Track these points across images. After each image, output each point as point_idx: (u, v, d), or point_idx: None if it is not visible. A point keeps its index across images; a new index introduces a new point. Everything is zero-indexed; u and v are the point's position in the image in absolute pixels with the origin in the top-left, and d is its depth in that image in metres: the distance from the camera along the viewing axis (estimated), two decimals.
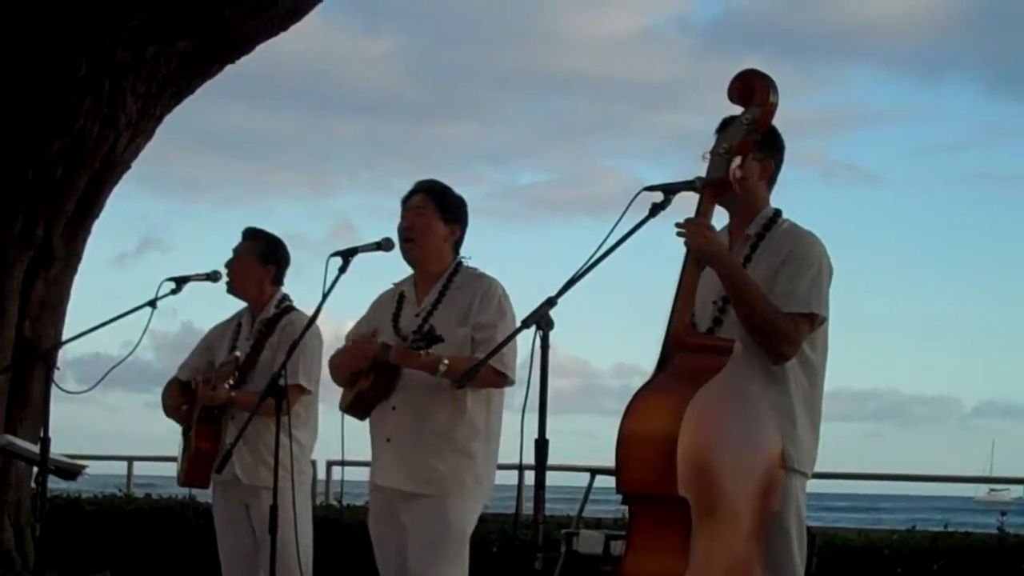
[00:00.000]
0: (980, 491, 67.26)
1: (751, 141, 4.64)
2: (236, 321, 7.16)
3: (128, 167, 10.33)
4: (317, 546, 6.84)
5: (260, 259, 7.07)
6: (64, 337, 9.98)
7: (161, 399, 7.18)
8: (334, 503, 12.45)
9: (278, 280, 7.13)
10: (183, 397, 7.05)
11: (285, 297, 7.11)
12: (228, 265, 7.05)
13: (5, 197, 9.83)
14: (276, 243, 7.16)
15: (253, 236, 7.14)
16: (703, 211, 4.63)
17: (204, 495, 7.62)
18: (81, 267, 10.50)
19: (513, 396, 5.91)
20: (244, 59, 10.05)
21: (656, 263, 5.15)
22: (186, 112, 10.30)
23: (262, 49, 10.04)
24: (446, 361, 5.67)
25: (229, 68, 10.10)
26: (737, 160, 4.61)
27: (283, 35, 9.96)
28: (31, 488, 10.18)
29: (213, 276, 6.98)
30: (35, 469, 7.42)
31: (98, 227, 10.48)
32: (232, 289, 7.07)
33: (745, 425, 4.48)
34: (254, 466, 6.76)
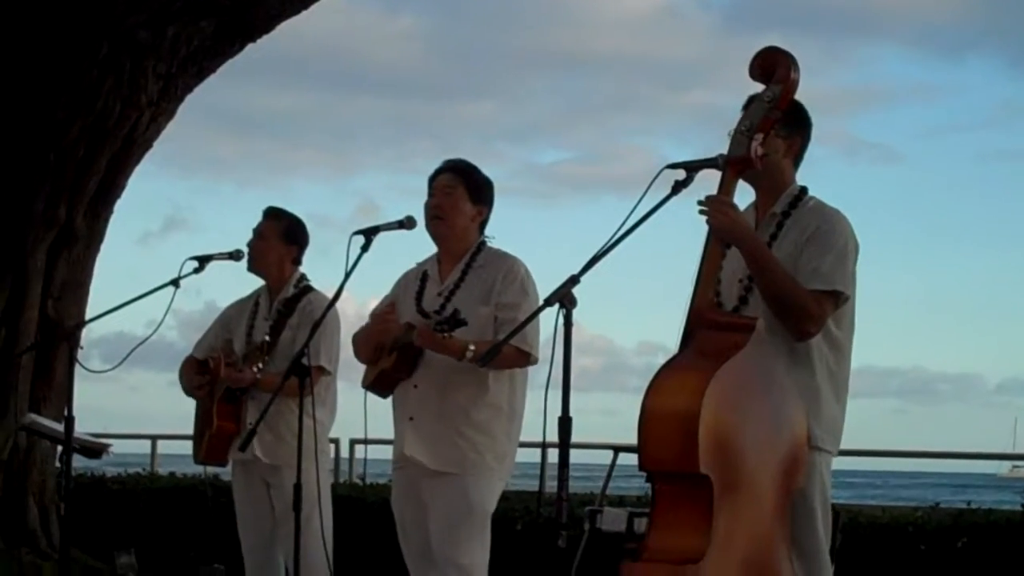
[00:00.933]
0: (1003, 468, 67.13)
1: (772, 119, 4.63)
2: (254, 300, 7.17)
3: (150, 147, 10.34)
4: (340, 524, 6.85)
5: (283, 238, 7.08)
6: (87, 317, 10.02)
7: (179, 377, 7.20)
8: (357, 481, 12.46)
9: (298, 260, 7.14)
10: (202, 376, 7.07)
11: (303, 277, 7.11)
12: (250, 244, 7.06)
13: (28, 178, 9.86)
14: (298, 223, 7.17)
15: (275, 215, 7.15)
16: (725, 189, 4.62)
17: (226, 473, 7.62)
18: (105, 247, 10.53)
19: (537, 374, 5.90)
20: (266, 38, 10.04)
21: (680, 240, 5.13)
22: (209, 91, 10.31)
23: (284, 28, 10.03)
24: (472, 347, 5.66)
25: (251, 48, 10.10)
26: (759, 138, 4.60)
27: (304, 14, 9.95)
28: (55, 467, 10.23)
29: (235, 255, 6.98)
30: (59, 448, 7.45)
31: (123, 207, 10.53)
32: (253, 267, 7.08)
33: (769, 402, 4.47)
34: (275, 445, 6.78)
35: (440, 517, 5.86)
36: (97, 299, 10.62)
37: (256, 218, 7.16)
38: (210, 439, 6.96)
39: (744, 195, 4.87)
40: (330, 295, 6.28)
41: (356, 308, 6.41)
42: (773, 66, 4.63)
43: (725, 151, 4.63)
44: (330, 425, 7.04)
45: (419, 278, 6.13)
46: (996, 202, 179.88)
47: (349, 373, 6.79)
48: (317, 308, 6.68)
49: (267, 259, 7.06)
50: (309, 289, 7.05)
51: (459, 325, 5.61)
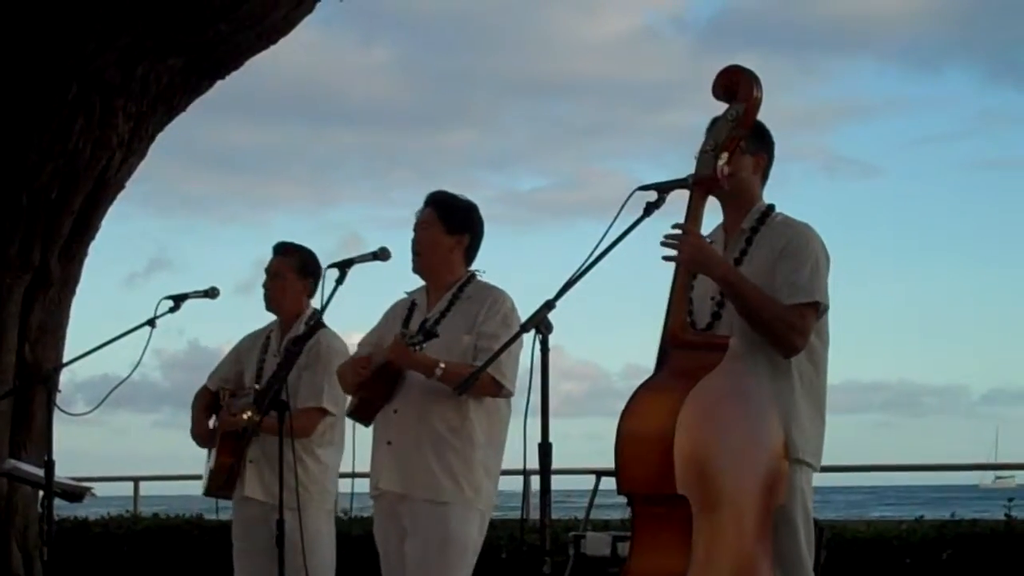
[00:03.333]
0: (986, 479, 67.21)
1: (737, 137, 4.65)
2: (266, 334, 7.11)
3: (122, 187, 10.33)
4: None
5: (299, 273, 7.01)
6: (65, 360, 9.98)
7: (191, 409, 7.19)
8: (341, 515, 12.42)
9: (312, 293, 7.06)
10: (208, 415, 7.07)
11: (316, 312, 7.02)
12: (266, 285, 7.01)
13: (1, 221, 9.83)
14: (311, 254, 7.08)
15: (287, 251, 7.08)
16: (693, 209, 4.64)
17: (211, 513, 7.61)
18: (91, 290, 10.51)
19: (517, 401, 5.91)
20: (242, 73, 10.06)
21: (660, 262, 5.15)
22: (186, 129, 10.30)
23: (260, 63, 10.05)
24: (442, 364, 5.70)
25: (227, 83, 10.11)
26: (724, 157, 4.62)
27: (281, 47, 9.98)
28: (37, 512, 10.18)
29: (211, 293, 6.95)
30: (40, 493, 7.42)
31: (107, 249, 10.52)
32: (271, 306, 7.03)
33: (745, 420, 4.48)
34: (274, 484, 6.75)
35: (416, 546, 5.87)
36: (83, 342, 10.54)
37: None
38: (212, 473, 6.96)
39: (713, 216, 4.90)
40: (336, 333, 6.26)
41: (334, 341, 6.41)
42: (735, 85, 4.66)
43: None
44: (336, 465, 6.98)
45: (407, 307, 6.17)
46: (977, 212, 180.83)
47: None
48: (324, 348, 6.67)
49: (285, 297, 7.00)
50: (320, 326, 6.96)
51: (431, 337, 5.65)
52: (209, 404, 7.14)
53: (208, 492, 7.08)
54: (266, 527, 6.83)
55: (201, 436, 7.10)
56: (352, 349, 6.39)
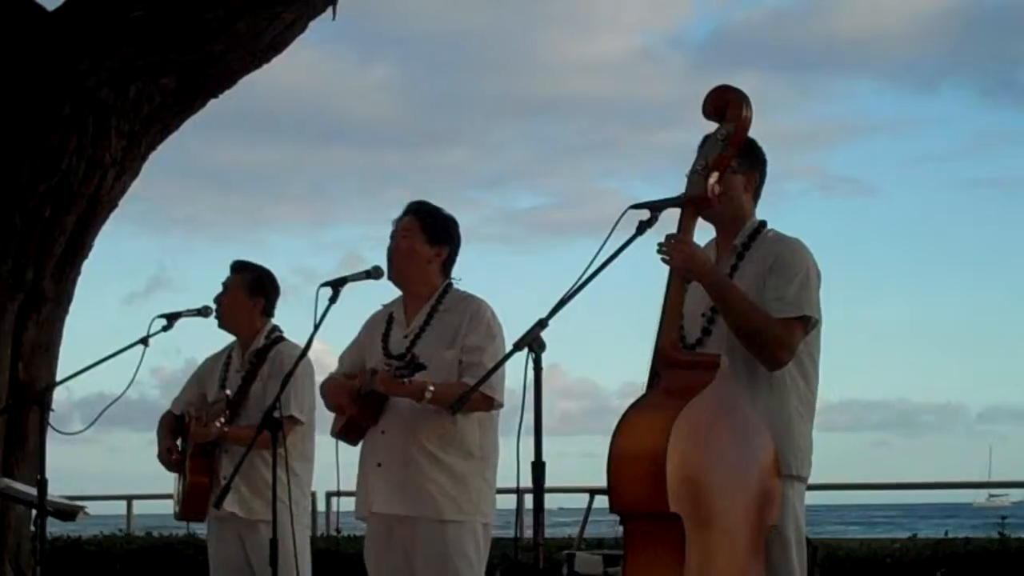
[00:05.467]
0: (979, 497, 67.15)
1: (727, 156, 4.67)
2: (227, 354, 7.16)
3: (115, 206, 10.32)
4: None
5: (249, 291, 7.06)
6: (58, 379, 9.97)
7: (156, 433, 7.19)
8: (334, 534, 12.43)
9: (268, 312, 7.12)
10: (173, 438, 7.07)
11: (275, 328, 7.10)
12: (217, 299, 7.05)
13: None
14: (264, 274, 7.15)
15: (241, 268, 7.13)
16: (684, 228, 4.66)
17: (204, 532, 7.59)
18: (92, 309, 10.51)
19: (511, 419, 5.90)
20: (240, 92, 10.07)
21: (658, 280, 5.18)
22: (184, 148, 10.30)
23: (257, 82, 10.06)
24: (431, 388, 5.69)
25: (225, 102, 10.12)
26: (714, 176, 4.64)
27: (278, 67, 9.98)
28: (30, 531, 10.16)
29: (204, 311, 6.97)
30: (33, 512, 7.40)
31: (107, 268, 10.53)
32: (222, 324, 7.07)
33: (736, 438, 4.49)
34: (251, 499, 6.76)
35: (424, 563, 5.86)
36: (82, 362, 10.57)
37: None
38: (185, 495, 6.94)
39: (706, 233, 4.91)
40: (298, 345, 6.27)
41: (331, 359, 6.43)
42: (725, 104, 4.68)
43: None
44: (309, 478, 7.01)
45: (385, 320, 6.15)
46: (974, 231, 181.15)
47: (325, 425, 6.78)
48: (287, 358, 6.68)
49: (236, 313, 7.05)
50: (280, 339, 7.04)
51: (418, 369, 5.64)
52: (174, 428, 7.17)
53: (183, 515, 7.07)
54: (243, 544, 6.83)
55: (169, 459, 7.09)
56: (316, 366, 6.42)
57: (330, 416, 6.20)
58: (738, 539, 4.40)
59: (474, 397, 5.43)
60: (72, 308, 10.35)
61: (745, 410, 4.55)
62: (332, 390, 6.13)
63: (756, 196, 5.00)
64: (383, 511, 5.94)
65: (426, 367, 5.65)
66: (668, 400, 4.36)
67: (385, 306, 6.23)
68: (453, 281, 6.12)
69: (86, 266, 10.40)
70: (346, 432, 6.03)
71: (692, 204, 4.65)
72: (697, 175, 4.65)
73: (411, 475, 5.85)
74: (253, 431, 6.12)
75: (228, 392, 6.87)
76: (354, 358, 6.18)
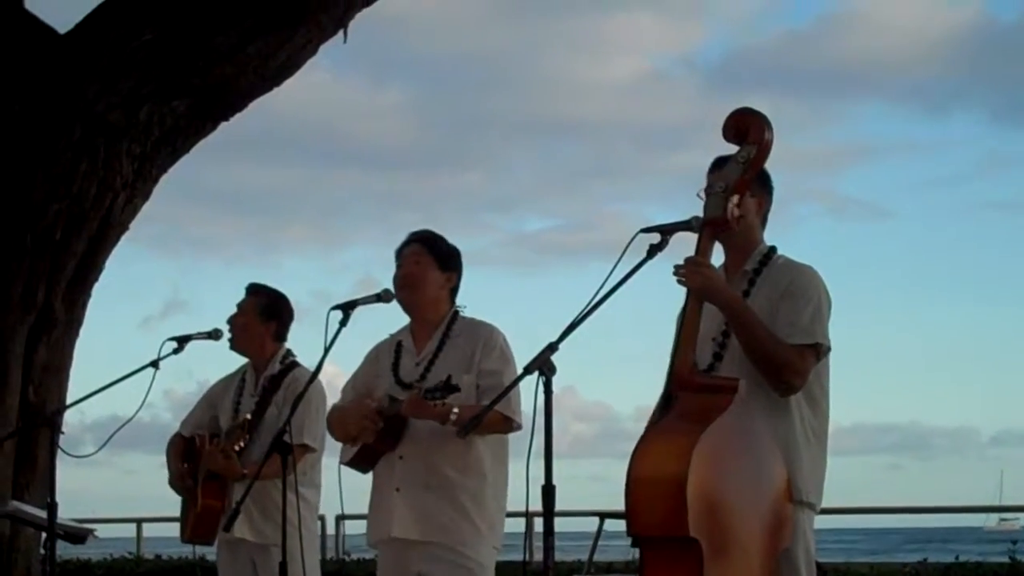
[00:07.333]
0: (991, 521, 66.96)
1: (748, 179, 4.66)
2: (240, 376, 7.15)
3: (126, 228, 10.33)
4: None
5: (262, 315, 7.05)
6: (69, 401, 9.97)
7: (165, 456, 7.18)
8: (344, 557, 12.41)
9: (280, 336, 7.11)
10: (183, 461, 7.05)
11: (288, 353, 7.09)
12: (231, 320, 7.05)
13: (5, 262, 9.83)
14: (279, 299, 7.14)
15: (256, 292, 7.12)
16: (702, 250, 4.65)
17: (213, 553, 7.58)
18: (107, 332, 10.55)
19: (521, 442, 5.89)
20: (253, 115, 10.08)
21: (672, 303, 5.18)
22: (197, 170, 10.30)
23: (270, 105, 10.07)
24: (456, 410, 5.65)
25: (238, 125, 10.13)
26: (735, 199, 4.63)
27: (292, 90, 10.01)
28: (40, 554, 10.15)
29: (214, 334, 6.96)
30: (43, 535, 7.40)
31: (123, 292, 10.50)
32: (234, 346, 7.06)
33: (750, 462, 4.48)
34: (262, 524, 6.75)
35: None
36: (96, 385, 10.60)
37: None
38: (196, 517, 6.92)
39: (715, 257, 4.90)
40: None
41: (343, 382, 6.41)
42: (747, 127, 4.67)
43: (699, 212, 4.66)
44: (318, 503, 7.00)
45: (393, 349, 6.13)
46: (986, 253, 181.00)
47: (332, 448, 6.77)
48: (302, 384, 6.66)
49: (247, 336, 7.04)
50: (295, 365, 7.02)
51: (453, 391, 5.61)
52: (183, 452, 7.14)
53: (191, 538, 7.04)
54: (254, 568, 6.82)
55: (181, 479, 7.07)
56: (327, 389, 6.40)
57: (334, 441, 6.19)
58: (752, 563, 4.39)
59: (493, 418, 5.43)
60: (88, 331, 10.37)
61: (759, 434, 4.54)
62: (341, 419, 6.09)
63: (764, 221, 5.01)
64: (402, 536, 5.92)
65: (460, 390, 5.63)
66: (686, 424, 4.34)
67: (392, 335, 6.22)
68: (460, 308, 6.12)
69: (101, 289, 10.42)
70: (360, 459, 5.99)
71: (711, 226, 4.64)
72: (717, 197, 4.63)
73: (432, 500, 5.84)
74: (263, 457, 6.13)
75: (248, 416, 6.84)
76: (360, 389, 6.15)
